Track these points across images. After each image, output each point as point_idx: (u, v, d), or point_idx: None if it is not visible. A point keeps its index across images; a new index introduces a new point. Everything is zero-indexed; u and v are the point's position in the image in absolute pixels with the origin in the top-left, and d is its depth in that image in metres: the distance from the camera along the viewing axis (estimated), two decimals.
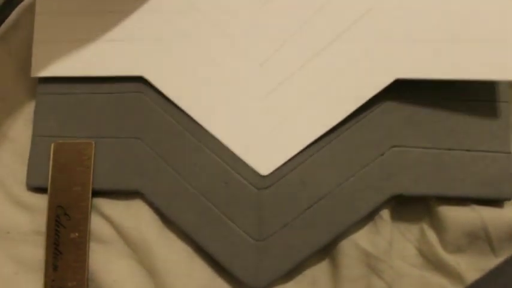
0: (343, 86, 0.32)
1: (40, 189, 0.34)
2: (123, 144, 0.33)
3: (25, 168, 0.34)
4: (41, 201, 0.33)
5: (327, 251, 0.32)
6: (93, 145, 0.33)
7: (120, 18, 0.34)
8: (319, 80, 0.32)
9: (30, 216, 0.34)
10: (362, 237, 0.32)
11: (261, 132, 0.32)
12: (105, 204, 0.33)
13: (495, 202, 0.32)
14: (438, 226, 0.32)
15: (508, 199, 0.32)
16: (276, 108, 0.32)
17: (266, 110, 0.32)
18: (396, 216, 0.33)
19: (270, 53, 0.33)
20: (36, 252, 0.33)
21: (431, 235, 0.32)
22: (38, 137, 0.34)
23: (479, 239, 0.32)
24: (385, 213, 0.32)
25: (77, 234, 0.32)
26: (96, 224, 0.33)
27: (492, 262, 0.31)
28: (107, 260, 0.32)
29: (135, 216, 0.33)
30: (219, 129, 0.33)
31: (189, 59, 0.33)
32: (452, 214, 0.31)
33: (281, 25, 0.33)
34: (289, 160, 0.32)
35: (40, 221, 0.33)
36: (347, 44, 0.32)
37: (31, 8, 0.36)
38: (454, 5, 0.32)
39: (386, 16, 0.32)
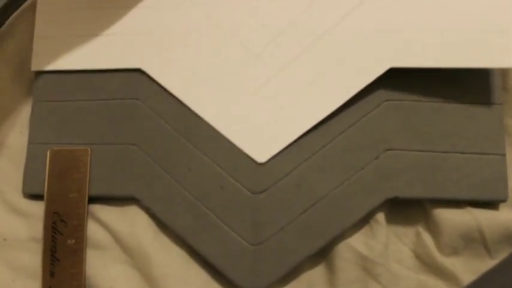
0: (338, 75, 0.32)
1: (36, 196, 0.34)
2: (118, 150, 0.34)
3: (21, 175, 0.34)
4: (37, 208, 0.34)
5: (323, 254, 0.32)
6: (89, 152, 0.34)
7: (119, 13, 0.35)
8: (314, 69, 0.33)
9: (26, 223, 0.34)
10: (358, 241, 0.32)
11: (257, 121, 0.33)
12: (102, 211, 0.33)
13: (490, 204, 0.32)
14: (434, 229, 0.32)
15: (503, 201, 0.32)
16: (272, 98, 0.33)
17: (262, 100, 0.33)
18: (392, 219, 0.33)
19: (265, 44, 0.33)
20: (33, 259, 0.33)
21: (427, 238, 0.32)
22: (33, 144, 0.34)
23: (475, 242, 0.32)
24: (381, 217, 0.32)
25: (73, 240, 0.33)
26: (93, 230, 0.33)
27: (488, 264, 0.31)
28: (103, 266, 0.32)
29: (131, 222, 0.33)
30: (216, 119, 0.33)
31: (185, 51, 0.34)
32: (447, 217, 0.32)
33: (276, 16, 0.34)
34: (285, 163, 0.32)
35: (37, 228, 0.33)
36: (341, 34, 0.33)
37: (26, 16, 0.36)
38: None
39: (380, 7, 0.33)
